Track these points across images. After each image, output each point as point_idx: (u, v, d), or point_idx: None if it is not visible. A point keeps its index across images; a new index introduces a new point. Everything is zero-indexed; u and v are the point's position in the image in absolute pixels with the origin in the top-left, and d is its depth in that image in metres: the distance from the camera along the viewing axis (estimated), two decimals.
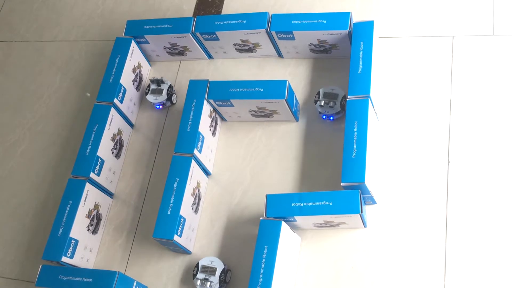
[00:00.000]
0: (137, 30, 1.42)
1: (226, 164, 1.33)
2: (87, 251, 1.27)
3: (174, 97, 1.41)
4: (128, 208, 1.35)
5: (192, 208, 1.25)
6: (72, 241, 1.22)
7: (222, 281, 1.17)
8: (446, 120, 1.23)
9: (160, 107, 1.41)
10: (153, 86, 1.40)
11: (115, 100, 1.35)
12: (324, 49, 1.34)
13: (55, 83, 1.57)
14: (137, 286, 1.18)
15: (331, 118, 1.27)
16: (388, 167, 1.23)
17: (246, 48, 1.40)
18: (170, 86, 1.40)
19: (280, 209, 1.14)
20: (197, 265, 1.20)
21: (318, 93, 1.28)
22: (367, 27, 1.25)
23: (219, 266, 1.18)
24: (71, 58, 1.59)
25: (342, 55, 1.35)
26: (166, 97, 1.39)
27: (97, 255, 1.31)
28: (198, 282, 1.18)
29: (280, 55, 1.41)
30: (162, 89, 1.39)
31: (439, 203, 1.17)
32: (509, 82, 1.23)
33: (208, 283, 1.17)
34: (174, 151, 1.25)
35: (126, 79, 1.40)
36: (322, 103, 1.26)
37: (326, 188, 1.23)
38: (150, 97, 1.40)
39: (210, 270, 1.18)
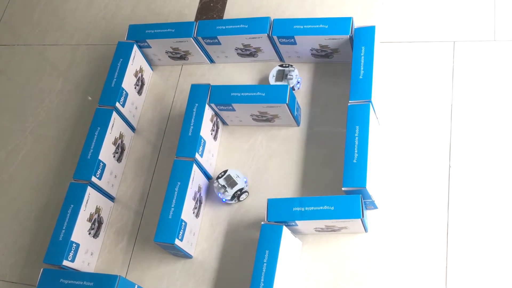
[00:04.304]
0: (139, 34, 1.43)
1: (227, 168, 1.33)
2: (88, 254, 1.27)
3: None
4: (129, 212, 1.35)
5: (193, 212, 1.25)
6: (73, 244, 1.22)
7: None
8: (447, 125, 1.24)
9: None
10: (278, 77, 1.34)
11: (117, 104, 1.35)
12: (326, 53, 1.35)
13: (57, 87, 1.57)
14: None
15: (224, 200, 1.27)
16: (389, 172, 1.23)
17: (247, 52, 1.40)
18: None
19: (281, 213, 1.14)
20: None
21: (225, 172, 1.26)
22: (368, 32, 1.26)
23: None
24: (73, 62, 1.60)
25: (343, 60, 1.35)
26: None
27: (98, 259, 1.31)
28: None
29: (281, 59, 1.41)
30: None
31: (440, 208, 1.17)
32: (510, 87, 1.24)
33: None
34: (175, 155, 1.26)
35: (128, 83, 1.40)
36: (218, 184, 1.25)
37: (327, 193, 1.23)
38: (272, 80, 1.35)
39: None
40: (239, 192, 1.24)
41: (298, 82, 1.35)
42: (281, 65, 1.36)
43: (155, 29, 1.42)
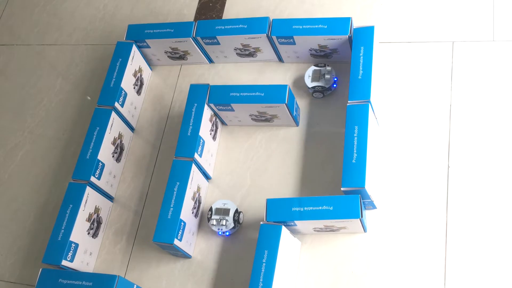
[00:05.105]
0: (138, 34, 1.43)
1: (226, 168, 1.34)
2: (87, 254, 1.27)
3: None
4: (128, 212, 1.35)
5: (193, 212, 1.25)
6: (72, 244, 1.22)
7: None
8: (446, 125, 1.24)
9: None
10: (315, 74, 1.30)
11: (116, 104, 1.35)
12: (325, 54, 1.35)
13: (55, 87, 1.57)
14: None
15: (227, 234, 1.24)
16: (388, 172, 1.23)
17: (246, 52, 1.40)
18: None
19: (280, 213, 1.14)
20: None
21: (211, 209, 1.24)
22: (367, 32, 1.26)
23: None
24: (72, 62, 1.60)
25: (342, 60, 1.35)
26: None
27: (97, 258, 1.31)
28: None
29: (280, 59, 1.41)
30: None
31: (439, 208, 1.17)
32: (509, 87, 1.24)
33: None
34: (174, 155, 1.26)
35: (127, 83, 1.40)
36: (214, 221, 1.22)
37: (326, 193, 1.23)
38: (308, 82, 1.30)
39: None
40: (237, 214, 1.23)
41: (335, 82, 1.31)
42: (316, 65, 1.32)
43: (154, 29, 1.42)
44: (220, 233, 1.24)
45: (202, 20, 1.44)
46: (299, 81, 1.38)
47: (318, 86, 1.30)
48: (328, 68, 1.31)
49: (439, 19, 1.35)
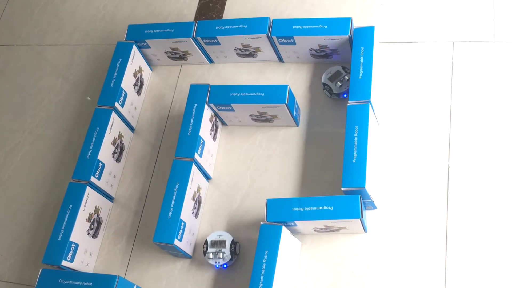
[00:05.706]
0: (138, 34, 1.43)
1: (226, 168, 1.34)
2: (87, 255, 1.27)
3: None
4: (129, 212, 1.35)
5: (193, 213, 1.25)
6: (72, 245, 1.22)
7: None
8: (446, 125, 1.24)
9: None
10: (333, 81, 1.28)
11: (116, 104, 1.35)
12: (325, 54, 1.35)
13: (56, 87, 1.57)
14: None
15: (225, 266, 1.21)
16: (389, 172, 1.23)
17: (247, 52, 1.40)
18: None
19: (280, 213, 1.14)
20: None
21: (206, 242, 1.21)
22: (367, 32, 1.26)
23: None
24: (72, 62, 1.60)
25: (342, 60, 1.35)
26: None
27: (97, 259, 1.31)
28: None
29: (280, 59, 1.41)
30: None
31: (440, 208, 1.17)
32: (509, 87, 1.24)
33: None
34: (174, 155, 1.26)
35: (127, 83, 1.40)
36: (211, 255, 1.19)
37: (326, 193, 1.23)
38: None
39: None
40: (233, 245, 1.20)
41: (345, 92, 1.29)
42: (343, 67, 1.30)
43: (154, 29, 1.42)
44: (217, 266, 1.21)
45: (202, 20, 1.44)
46: (299, 81, 1.38)
47: (328, 86, 1.30)
48: (346, 77, 1.30)
49: (439, 19, 1.35)
